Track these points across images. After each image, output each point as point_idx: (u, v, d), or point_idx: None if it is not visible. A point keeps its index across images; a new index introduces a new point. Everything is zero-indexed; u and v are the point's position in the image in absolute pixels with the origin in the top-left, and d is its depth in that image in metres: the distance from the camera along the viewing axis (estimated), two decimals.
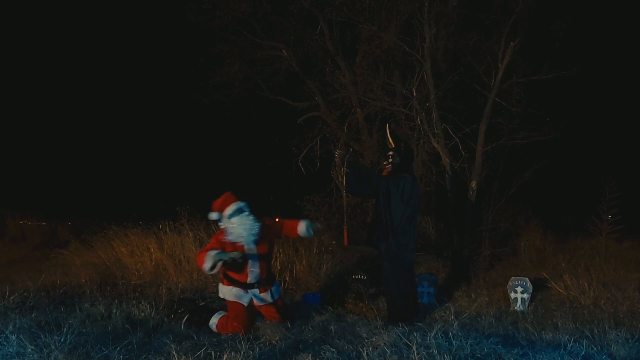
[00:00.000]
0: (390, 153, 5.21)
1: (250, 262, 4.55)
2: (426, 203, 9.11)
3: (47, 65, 17.12)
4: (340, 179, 8.90)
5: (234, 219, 4.51)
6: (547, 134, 8.57)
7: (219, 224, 4.64)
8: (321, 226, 5.15)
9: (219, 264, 4.28)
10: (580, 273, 6.61)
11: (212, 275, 4.63)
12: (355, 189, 5.19)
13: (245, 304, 4.56)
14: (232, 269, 4.53)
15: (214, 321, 4.55)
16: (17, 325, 3.98)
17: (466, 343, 3.73)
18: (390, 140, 5.32)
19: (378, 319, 5.04)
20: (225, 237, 4.53)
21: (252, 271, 4.59)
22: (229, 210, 4.54)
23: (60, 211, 13.51)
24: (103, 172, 16.84)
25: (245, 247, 4.52)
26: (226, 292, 4.60)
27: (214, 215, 4.60)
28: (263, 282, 4.65)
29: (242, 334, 4.23)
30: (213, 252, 4.27)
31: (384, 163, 5.27)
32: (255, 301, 4.64)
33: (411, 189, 4.99)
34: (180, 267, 6.91)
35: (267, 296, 4.68)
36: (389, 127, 5.43)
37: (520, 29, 8.36)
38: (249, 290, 4.59)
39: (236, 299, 4.54)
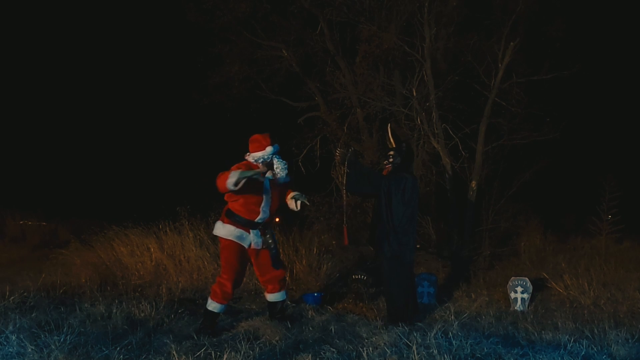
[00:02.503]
0: (391, 153, 5.22)
1: (264, 201, 4.61)
2: (426, 203, 9.11)
3: (47, 65, 17.11)
4: (340, 178, 8.90)
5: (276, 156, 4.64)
6: (547, 134, 8.56)
7: (259, 159, 4.61)
8: (307, 201, 5.11)
9: (242, 181, 4.31)
10: (580, 273, 6.61)
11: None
12: (355, 188, 5.20)
13: (246, 246, 4.59)
14: (246, 205, 4.55)
15: (208, 302, 4.53)
16: (17, 325, 3.99)
17: (466, 343, 3.74)
18: (392, 140, 5.33)
19: (378, 319, 5.04)
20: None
21: (264, 211, 4.63)
22: (272, 148, 4.62)
23: (60, 211, 13.47)
24: (103, 171, 16.83)
25: (264, 185, 4.60)
26: (226, 230, 4.56)
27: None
28: (266, 225, 4.72)
29: (229, 290, 4.43)
30: (238, 170, 4.34)
31: (384, 162, 5.28)
32: (254, 244, 4.63)
33: (412, 189, 5.00)
34: (180, 267, 6.91)
35: (265, 239, 4.72)
36: (390, 127, 5.45)
37: (520, 29, 8.36)
38: (251, 231, 4.61)
39: (236, 240, 4.55)
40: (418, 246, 8.50)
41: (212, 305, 4.51)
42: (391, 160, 5.18)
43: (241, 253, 4.62)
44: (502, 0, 8.41)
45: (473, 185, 8.11)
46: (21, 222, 12.88)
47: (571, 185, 12.42)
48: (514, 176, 9.25)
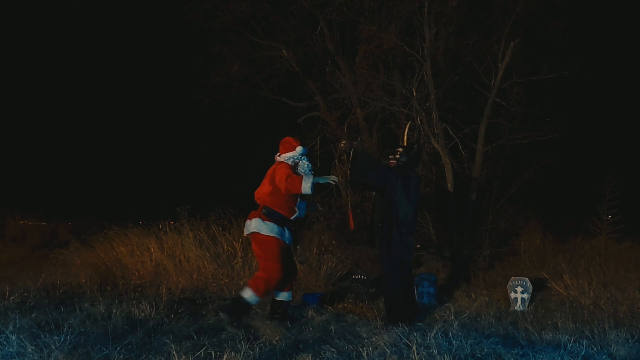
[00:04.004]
0: (400, 150, 5.26)
1: (299, 200, 4.84)
2: (426, 203, 9.11)
3: (47, 65, 17.13)
4: (341, 178, 8.89)
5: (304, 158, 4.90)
6: (547, 134, 8.55)
7: (289, 159, 4.82)
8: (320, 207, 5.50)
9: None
10: (580, 273, 6.61)
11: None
12: (360, 178, 5.11)
13: (286, 242, 4.76)
14: (288, 204, 4.75)
15: (245, 290, 4.55)
16: (17, 325, 3.98)
17: (466, 343, 3.74)
18: (405, 139, 5.37)
19: (378, 319, 5.04)
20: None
21: (299, 208, 4.85)
22: (301, 149, 4.88)
23: (60, 211, 13.50)
24: (103, 172, 16.85)
25: None
26: (269, 228, 4.67)
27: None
28: (296, 222, 4.94)
29: (274, 284, 4.55)
30: (311, 177, 4.64)
31: (390, 157, 5.30)
32: (288, 241, 4.82)
33: (415, 188, 5.05)
34: (180, 267, 6.91)
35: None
36: (408, 127, 5.52)
37: (520, 29, 8.35)
38: (285, 228, 4.78)
39: (278, 236, 4.69)
40: (418, 246, 8.51)
41: (252, 298, 4.53)
42: (397, 156, 5.21)
43: (282, 248, 4.73)
44: (502, 0, 8.41)
45: (473, 185, 8.11)
46: (21, 222, 12.90)
47: (571, 185, 12.42)
48: (514, 176, 9.25)
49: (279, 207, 4.73)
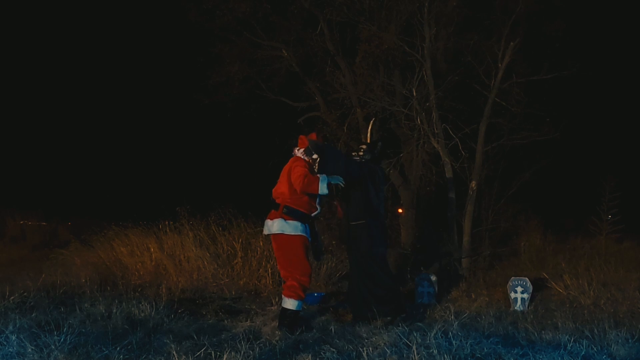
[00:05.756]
0: (364, 147, 5.29)
1: (318, 198, 4.84)
2: (426, 203, 9.10)
3: (46, 65, 17.14)
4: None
5: None
6: (547, 134, 8.56)
7: (307, 156, 4.84)
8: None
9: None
10: (580, 273, 6.61)
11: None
12: (330, 172, 4.87)
13: (310, 239, 4.76)
14: (308, 201, 4.76)
15: (287, 302, 4.59)
16: (17, 325, 3.98)
17: (466, 343, 3.74)
18: (369, 136, 5.40)
19: (378, 319, 5.04)
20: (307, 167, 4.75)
21: (320, 205, 4.87)
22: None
23: (60, 211, 13.49)
24: (103, 172, 16.85)
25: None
26: (293, 227, 4.66)
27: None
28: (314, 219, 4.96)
29: (308, 284, 4.63)
30: (326, 177, 4.66)
31: (352, 154, 5.35)
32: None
33: (381, 182, 5.17)
34: (180, 267, 6.91)
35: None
36: (373, 123, 5.52)
37: (520, 29, 8.35)
38: (306, 225, 4.77)
39: (303, 233, 4.70)
40: (418, 246, 8.52)
41: (296, 305, 4.59)
42: (361, 154, 5.24)
43: (306, 246, 4.74)
44: (502, 0, 8.41)
45: (473, 185, 8.11)
46: (21, 222, 12.89)
47: (571, 185, 12.43)
48: (514, 176, 9.26)
49: (301, 206, 4.72)
